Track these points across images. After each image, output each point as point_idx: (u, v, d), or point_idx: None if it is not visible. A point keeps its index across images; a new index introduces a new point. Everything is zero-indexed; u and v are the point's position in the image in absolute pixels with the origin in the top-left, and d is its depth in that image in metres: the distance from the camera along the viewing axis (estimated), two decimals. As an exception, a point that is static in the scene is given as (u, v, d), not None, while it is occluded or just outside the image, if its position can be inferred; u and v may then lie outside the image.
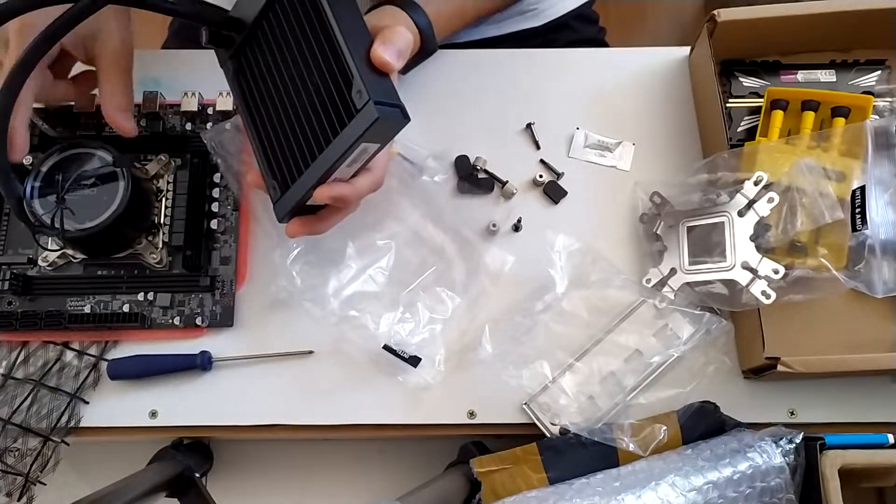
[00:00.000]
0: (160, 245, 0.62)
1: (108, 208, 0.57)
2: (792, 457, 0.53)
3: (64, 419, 0.60)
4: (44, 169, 0.57)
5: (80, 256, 0.62)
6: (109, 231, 0.57)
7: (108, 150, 0.58)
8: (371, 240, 0.64)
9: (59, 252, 0.62)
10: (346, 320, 0.60)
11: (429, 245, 0.64)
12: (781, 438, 0.54)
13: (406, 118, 0.48)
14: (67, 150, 0.58)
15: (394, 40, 0.50)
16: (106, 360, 0.61)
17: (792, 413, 0.60)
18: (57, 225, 0.55)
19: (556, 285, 0.62)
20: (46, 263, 0.62)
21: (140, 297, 0.62)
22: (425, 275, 0.63)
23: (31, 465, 0.59)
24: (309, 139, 0.51)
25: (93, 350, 0.61)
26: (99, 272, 0.63)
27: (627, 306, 0.62)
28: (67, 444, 0.59)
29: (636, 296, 0.62)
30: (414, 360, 0.59)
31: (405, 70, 0.67)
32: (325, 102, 0.49)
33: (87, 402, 0.60)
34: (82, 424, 0.60)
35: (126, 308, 0.62)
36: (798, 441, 0.54)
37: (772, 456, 0.53)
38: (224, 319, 0.62)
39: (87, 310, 0.61)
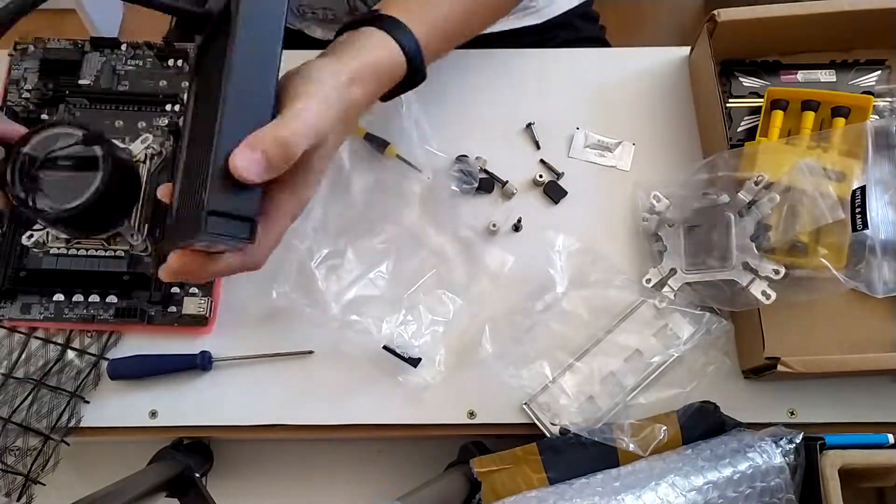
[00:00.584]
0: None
1: (87, 188, 0.54)
2: (792, 457, 0.53)
3: (64, 418, 0.60)
4: (24, 151, 0.54)
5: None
6: (91, 211, 0.54)
7: (81, 128, 0.55)
8: (370, 244, 0.64)
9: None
10: (348, 325, 0.60)
11: (428, 247, 0.64)
12: (781, 438, 0.54)
13: (250, 238, 0.41)
14: (45, 130, 0.55)
15: (270, 141, 0.40)
16: (106, 358, 0.61)
17: (792, 413, 0.60)
18: (30, 205, 0.53)
19: (557, 285, 0.62)
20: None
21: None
22: (426, 277, 0.63)
23: (32, 465, 0.59)
24: (186, 194, 0.45)
25: (93, 349, 0.61)
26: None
27: (627, 306, 0.62)
28: (68, 444, 0.59)
29: (636, 296, 0.62)
30: (414, 361, 0.59)
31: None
32: (197, 170, 0.43)
33: (88, 402, 0.60)
34: (83, 424, 0.60)
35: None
36: (798, 441, 0.54)
37: (772, 456, 0.53)
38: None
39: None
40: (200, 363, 0.60)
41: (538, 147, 0.68)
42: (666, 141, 0.68)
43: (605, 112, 0.69)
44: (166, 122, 0.66)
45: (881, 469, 0.54)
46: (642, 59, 0.72)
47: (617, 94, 0.70)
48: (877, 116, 0.66)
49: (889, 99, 0.67)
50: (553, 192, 0.66)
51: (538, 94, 0.70)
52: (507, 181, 0.66)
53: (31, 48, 0.68)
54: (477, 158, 0.67)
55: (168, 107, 0.67)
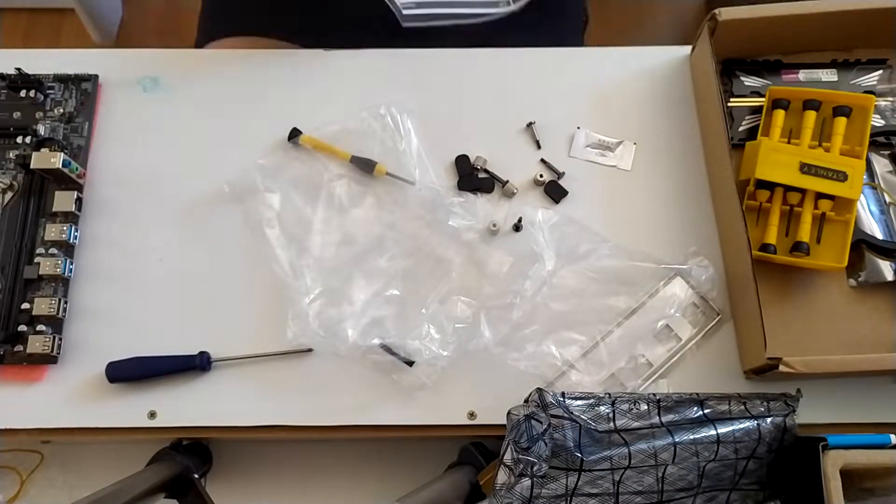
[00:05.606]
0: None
1: None
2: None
3: None
4: None
5: None
6: None
7: None
8: (377, 264, 0.63)
9: None
10: (371, 350, 0.60)
11: (434, 256, 0.64)
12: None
13: None
14: None
15: None
16: None
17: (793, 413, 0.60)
18: None
19: (546, 261, 0.62)
20: None
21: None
22: (439, 286, 0.62)
23: None
24: None
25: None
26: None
27: (619, 272, 0.62)
28: None
29: (626, 261, 0.62)
30: (409, 361, 0.59)
31: None
32: None
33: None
34: (82, 425, 0.60)
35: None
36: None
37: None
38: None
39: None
40: (199, 363, 0.60)
41: (539, 146, 0.68)
42: (667, 140, 0.68)
43: (606, 111, 0.69)
44: (16, 154, 0.65)
45: (883, 469, 0.54)
46: (643, 59, 0.72)
47: (618, 94, 0.70)
48: (878, 116, 0.65)
49: (891, 98, 0.66)
50: (554, 191, 0.66)
51: (538, 93, 0.70)
52: (507, 181, 0.66)
53: None
54: (477, 158, 0.67)
55: (20, 139, 0.65)
